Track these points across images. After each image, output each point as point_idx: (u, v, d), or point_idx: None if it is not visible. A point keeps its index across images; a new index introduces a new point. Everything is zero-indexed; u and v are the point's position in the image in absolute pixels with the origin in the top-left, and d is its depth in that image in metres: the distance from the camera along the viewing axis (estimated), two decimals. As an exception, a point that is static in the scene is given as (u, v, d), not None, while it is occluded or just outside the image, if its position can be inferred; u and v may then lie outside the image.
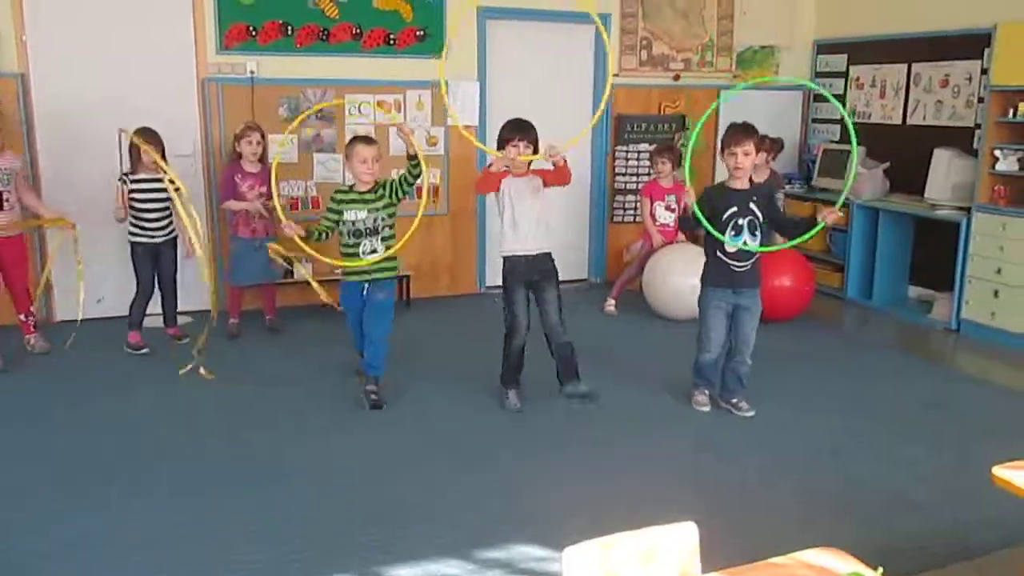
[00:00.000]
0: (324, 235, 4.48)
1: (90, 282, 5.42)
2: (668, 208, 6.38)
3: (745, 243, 4.27)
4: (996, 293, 5.85)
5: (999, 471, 2.39)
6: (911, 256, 6.93)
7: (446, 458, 3.96)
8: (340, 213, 4.47)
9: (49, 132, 5.82)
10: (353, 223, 4.45)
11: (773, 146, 6.56)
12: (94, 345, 5.39)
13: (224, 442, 4.10)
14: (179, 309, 5.74)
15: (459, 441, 4.17)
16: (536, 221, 4.46)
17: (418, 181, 4.43)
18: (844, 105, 4.43)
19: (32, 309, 5.38)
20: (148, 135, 5.12)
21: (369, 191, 4.50)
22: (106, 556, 3.09)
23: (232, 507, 3.47)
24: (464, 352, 5.50)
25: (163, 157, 5.13)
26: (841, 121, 7.60)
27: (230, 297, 5.90)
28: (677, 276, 6.01)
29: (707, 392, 4.59)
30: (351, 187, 4.58)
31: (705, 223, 4.18)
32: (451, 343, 5.77)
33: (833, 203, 4.20)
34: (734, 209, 4.28)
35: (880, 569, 1.67)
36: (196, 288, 6.24)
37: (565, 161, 4.33)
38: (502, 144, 4.40)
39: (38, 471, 3.76)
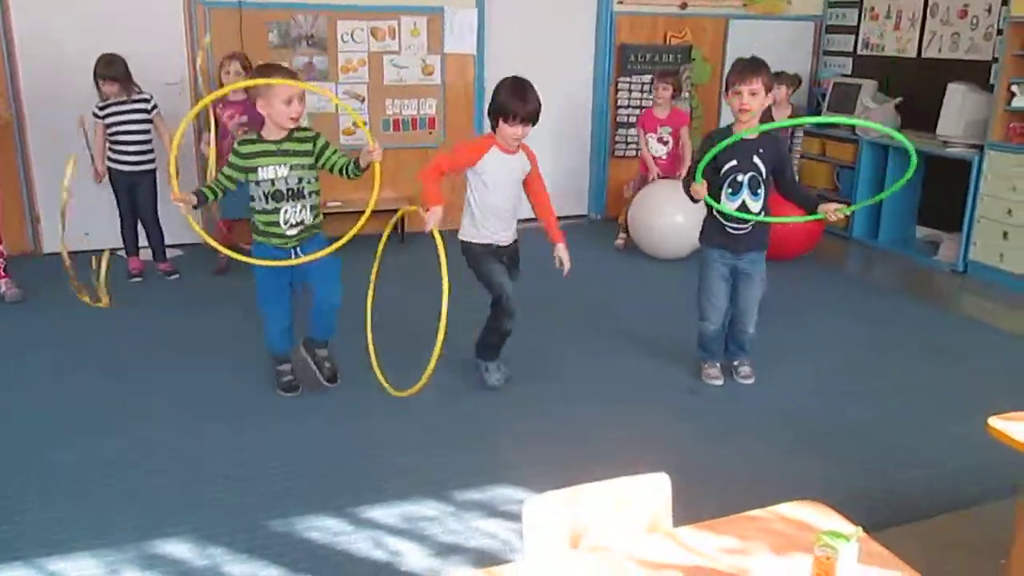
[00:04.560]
0: (217, 194, 3.51)
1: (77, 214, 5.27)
2: (660, 140, 6.06)
3: (744, 204, 3.71)
4: (1005, 235, 5.67)
5: (995, 422, 2.27)
6: (920, 195, 6.73)
7: (420, 408, 3.73)
8: (251, 171, 3.45)
9: (31, 55, 5.62)
10: (272, 183, 3.44)
11: (792, 82, 6.32)
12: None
13: (210, 379, 4.02)
14: (171, 242, 5.63)
15: (438, 398, 3.84)
16: (513, 210, 3.74)
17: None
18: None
19: (1, 249, 4.94)
20: (110, 63, 5.00)
21: (286, 139, 3.46)
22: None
23: (211, 444, 3.41)
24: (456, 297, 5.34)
25: (129, 80, 5.04)
26: (853, 55, 7.35)
27: (219, 231, 5.75)
28: (661, 216, 5.75)
29: (717, 364, 4.08)
30: (258, 136, 3.50)
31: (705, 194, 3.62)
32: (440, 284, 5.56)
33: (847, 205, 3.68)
34: (734, 163, 3.65)
35: (858, 529, 1.56)
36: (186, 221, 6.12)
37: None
38: (496, 114, 3.54)
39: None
